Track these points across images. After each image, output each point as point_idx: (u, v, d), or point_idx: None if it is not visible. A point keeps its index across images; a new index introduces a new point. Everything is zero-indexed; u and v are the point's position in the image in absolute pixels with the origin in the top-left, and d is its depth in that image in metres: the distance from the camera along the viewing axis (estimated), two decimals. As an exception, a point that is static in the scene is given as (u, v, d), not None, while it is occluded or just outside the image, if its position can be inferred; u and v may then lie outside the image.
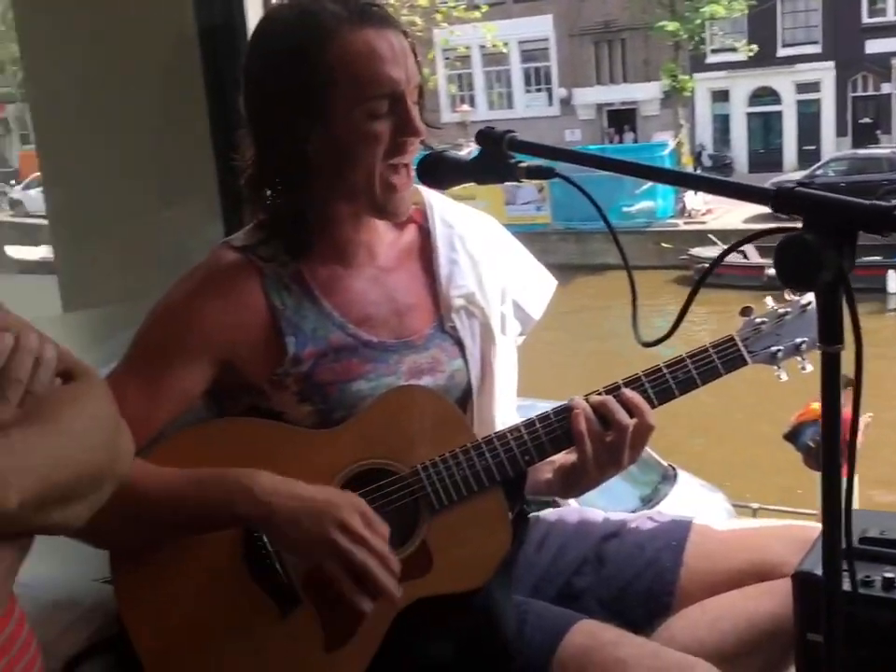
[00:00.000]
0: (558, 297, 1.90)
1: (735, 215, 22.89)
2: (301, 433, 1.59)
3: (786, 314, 1.67)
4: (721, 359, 1.64)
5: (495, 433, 1.61)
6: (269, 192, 1.62)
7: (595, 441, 1.59)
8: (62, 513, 1.00)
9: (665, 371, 1.63)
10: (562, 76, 34.73)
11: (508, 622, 1.56)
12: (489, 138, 1.42)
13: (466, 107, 31.73)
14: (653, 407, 1.62)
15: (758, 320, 1.68)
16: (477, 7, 26.39)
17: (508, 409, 1.77)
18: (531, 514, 1.87)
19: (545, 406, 1.65)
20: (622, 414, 1.59)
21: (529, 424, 1.62)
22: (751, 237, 1.15)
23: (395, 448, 1.57)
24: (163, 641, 1.52)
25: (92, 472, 1.05)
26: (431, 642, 1.54)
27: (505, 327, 1.78)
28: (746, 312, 1.68)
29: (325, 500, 1.46)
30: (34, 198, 26.16)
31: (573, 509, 1.90)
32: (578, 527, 1.85)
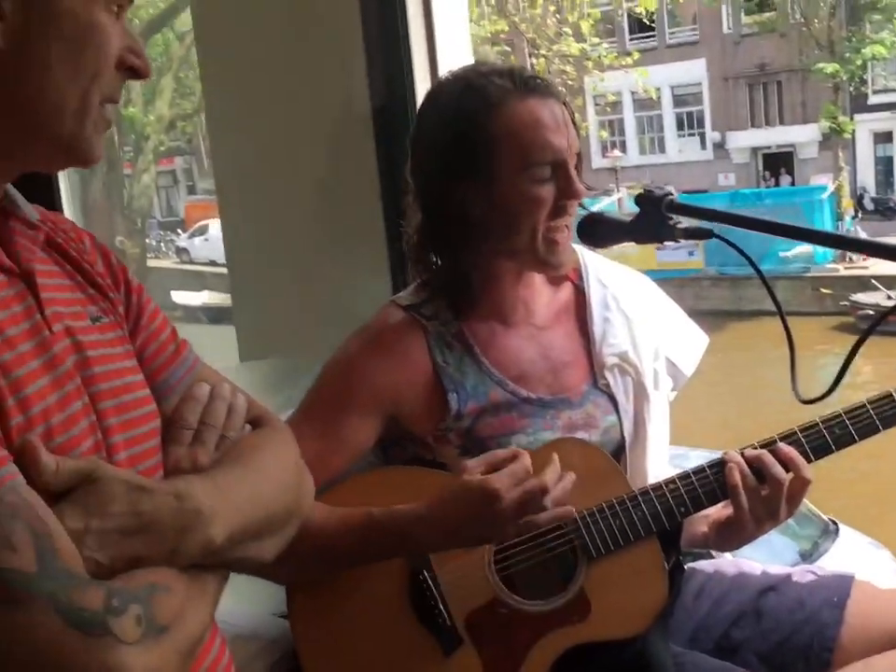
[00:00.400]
0: (711, 344, 1.93)
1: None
2: None
3: None
4: (879, 415, 1.64)
5: (650, 485, 1.65)
6: (433, 255, 1.72)
7: (750, 494, 1.61)
8: (257, 548, 1.09)
9: (821, 425, 1.64)
10: (715, 119, 34.27)
11: (665, 670, 1.59)
12: (649, 200, 1.47)
13: (617, 153, 31.66)
14: (809, 462, 1.63)
15: None
16: (628, 54, 26.42)
17: (660, 462, 1.81)
18: (687, 566, 1.90)
19: (697, 455, 1.68)
20: (777, 469, 1.61)
21: (684, 476, 1.65)
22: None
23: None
24: None
25: (282, 510, 1.13)
26: (589, 687, 1.58)
27: (658, 383, 1.82)
28: None
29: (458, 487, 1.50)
30: (198, 246, 27.43)
31: (731, 561, 1.91)
32: (736, 579, 1.86)
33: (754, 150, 33.77)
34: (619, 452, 1.77)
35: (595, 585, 1.61)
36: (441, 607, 1.60)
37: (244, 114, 2.35)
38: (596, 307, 1.81)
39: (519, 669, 1.57)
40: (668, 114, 35.37)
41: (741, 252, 1.41)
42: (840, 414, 1.65)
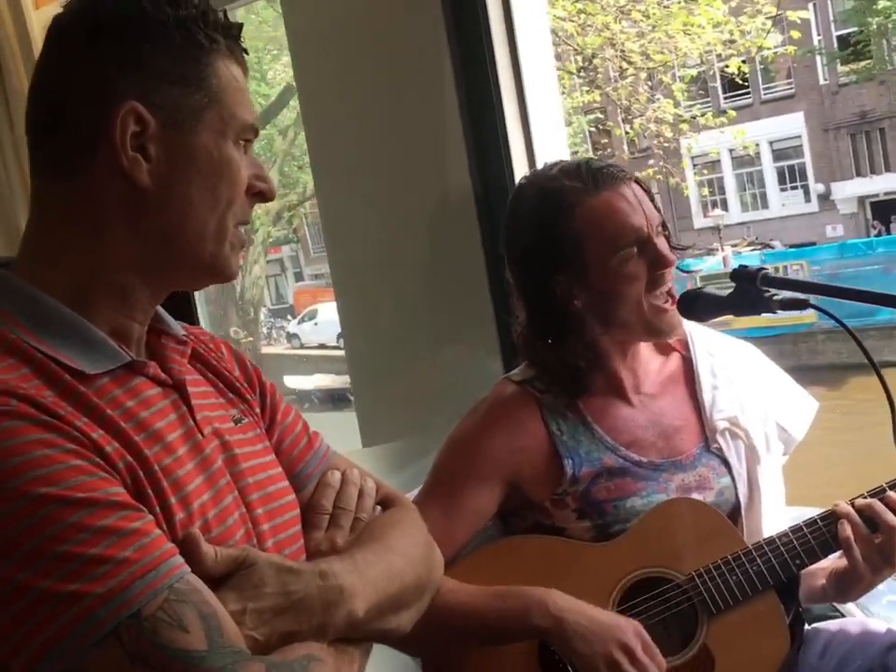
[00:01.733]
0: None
1: None
2: (582, 547, 1.76)
3: None
4: None
5: (765, 539, 1.71)
6: (541, 346, 1.84)
7: (863, 544, 1.66)
8: (396, 620, 1.19)
9: None
10: (817, 171, 33.77)
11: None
12: (744, 276, 1.57)
13: (718, 212, 31.43)
14: None
15: None
16: (724, 113, 26.38)
17: (776, 523, 1.86)
18: (811, 626, 1.93)
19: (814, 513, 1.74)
20: (889, 516, 1.66)
21: (797, 529, 1.71)
22: None
23: (669, 557, 1.71)
24: None
25: (416, 583, 1.23)
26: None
27: (769, 446, 1.89)
28: None
29: (610, 621, 1.62)
30: (307, 331, 27.99)
31: (855, 620, 1.94)
32: (861, 637, 1.88)
33: (861, 199, 33.08)
34: (735, 514, 1.84)
35: (717, 640, 1.67)
36: (571, 670, 1.68)
37: (354, 202, 2.51)
38: (705, 374, 1.90)
39: None
40: (769, 169, 34.97)
41: (837, 320, 1.49)
42: None
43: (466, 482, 1.79)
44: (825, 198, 33.48)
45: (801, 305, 1.53)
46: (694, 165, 33.18)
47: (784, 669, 1.67)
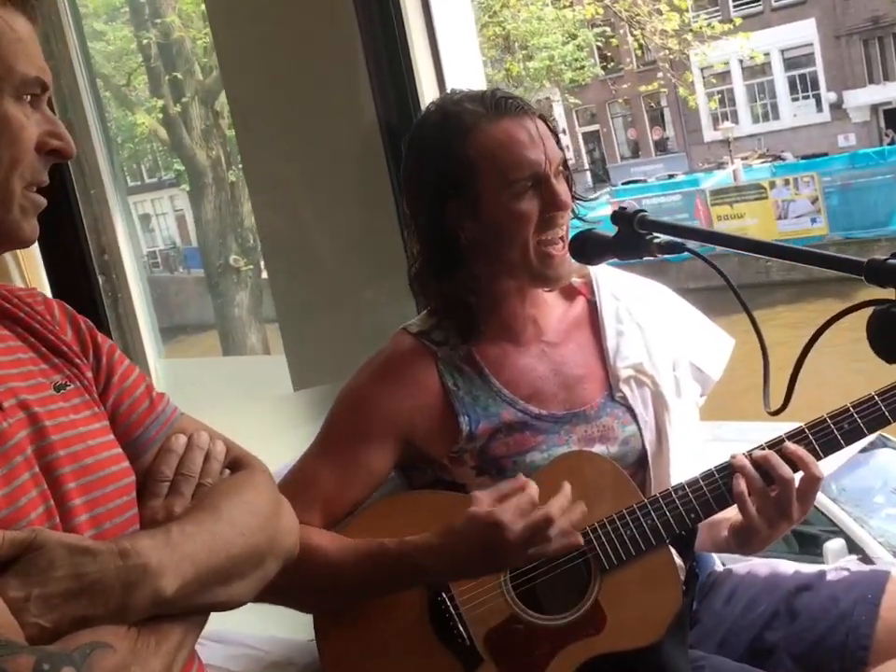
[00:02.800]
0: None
1: None
2: None
3: None
4: (889, 406, 1.61)
5: (660, 493, 1.66)
6: (434, 283, 1.77)
7: (757, 498, 1.61)
8: (226, 592, 1.14)
9: (829, 421, 1.63)
10: (830, 79, 33.10)
11: (682, 678, 1.61)
12: (622, 218, 1.49)
13: (728, 124, 30.97)
14: (819, 459, 1.62)
15: None
16: (731, 21, 25.80)
17: (687, 468, 1.80)
18: (722, 568, 1.90)
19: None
20: (784, 469, 1.60)
21: (693, 482, 1.66)
22: (847, 312, 1.15)
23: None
24: None
25: (251, 553, 1.17)
26: (607, 699, 1.61)
27: (680, 391, 1.82)
28: None
29: (461, 526, 1.54)
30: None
31: (764, 562, 1.89)
32: (768, 580, 1.85)
33: (874, 107, 32.49)
34: (642, 463, 1.79)
35: (609, 597, 1.63)
36: (461, 627, 1.65)
37: (273, 142, 2.45)
38: (609, 320, 1.83)
39: None
40: (780, 78, 34.33)
41: (707, 261, 1.43)
42: (848, 409, 1.63)
43: (359, 439, 1.74)
44: (837, 107, 32.89)
45: (678, 249, 1.45)
46: (704, 77, 32.67)
47: (678, 624, 1.63)
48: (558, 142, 1.74)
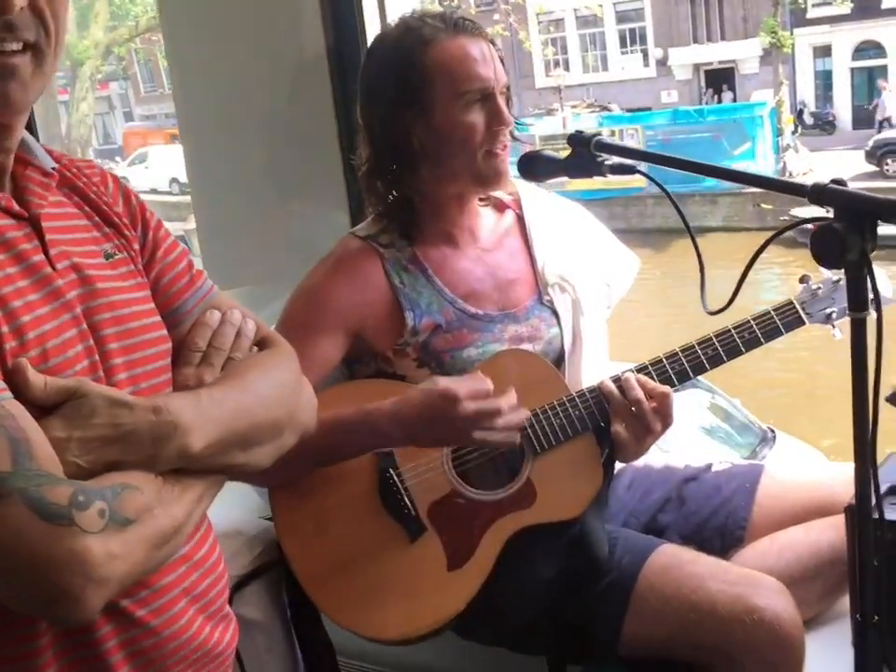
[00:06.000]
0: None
1: (837, 174, 22.33)
2: None
3: (839, 280, 1.87)
4: (783, 320, 1.87)
5: (587, 388, 1.88)
6: (381, 184, 1.93)
7: (622, 412, 1.84)
8: (244, 456, 1.24)
9: (664, 360, 1.87)
10: (657, 36, 34.21)
11: (601, 545, 1.84)
12: (579, 140, 1.67)
13: (560, 71, 31.64)
14: (683, 381, 1.86)
15: (814, 286, 1.91)
16: (570, -30, 26.25)
17: (597, 370, 2.02)
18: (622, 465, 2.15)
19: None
20: (636, 391, 1.82)
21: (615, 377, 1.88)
22: (789, 227, 1.39)
23: None
24: (315, 563, 1.84)
25: (270, 423, 1.28)
26: (536, 563, 1.82)
27: (594, 300, 2.05)
28: (804, 279, 1.92)
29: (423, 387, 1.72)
30: (138, 174, 26.97)
31: (659, 458, 2.16)
32: (662, 472, 2.12)
33: (696, 67, 33.84)
34: (559, 361, 2.00)
35: (540, 476, 1.85)
36: (406, 499, 1.83)
37: (203, 51, 2.50)
38: (536, 231, 2.04)
39: (475, 550, 1.81)
40: (611, 31, 35.22)
41: (660, 186, 1.63)
42: (677, 352, 1.87)
43: (313, 332, 1.88)
44: (663, 64, 34.05)
45: (629, 171, 1.65)
46: (539, 23, 33.16)
47: (597, 501, 1.86)
48: (503, 66, 1.92)
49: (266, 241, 2.50)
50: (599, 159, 1.66)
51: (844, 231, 1.25)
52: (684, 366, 1.86)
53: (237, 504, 1.99)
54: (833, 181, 1.32)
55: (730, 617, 1.71)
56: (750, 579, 1.77)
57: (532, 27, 32.74)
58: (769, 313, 1.87)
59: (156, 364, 1.26)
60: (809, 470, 2.12)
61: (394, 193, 1.95)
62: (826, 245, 1.26)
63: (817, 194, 1.31)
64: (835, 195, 1.29)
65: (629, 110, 28.60)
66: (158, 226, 1.35)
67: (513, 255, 2.02)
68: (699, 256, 1.58)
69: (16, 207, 1.17)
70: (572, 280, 2.02)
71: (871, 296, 1.23)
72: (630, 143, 24.42)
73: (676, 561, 1.82)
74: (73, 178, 1.28)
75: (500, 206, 2.07)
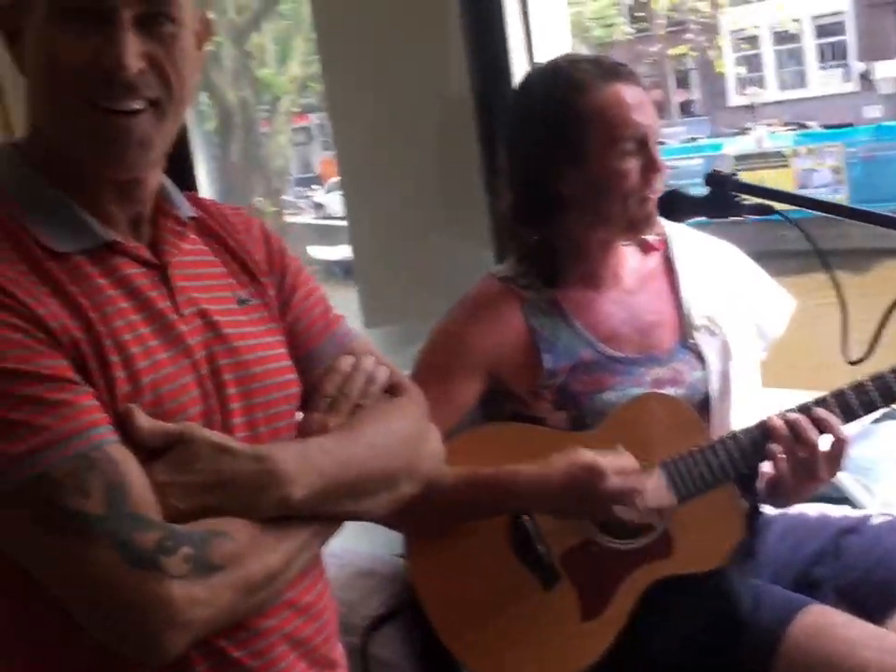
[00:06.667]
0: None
1: None
2: (559, 434, 1.85)
3: None
4: None
5: (728, 433, 1.81)
6: (524, 228, 1.92)
7: (789, 457, 1.75)
8: (354, 505, 1.23)
9: (848, 392, 1.76)
10: (860, 49, 32.72)
11: (742, 600, 1.75)
12: (717, 180, 1.63)
13: (754, 89, 30.77)
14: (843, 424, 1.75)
15: None
16: (765, -14, 25.53)
17: (746, 416, 1.94)
18: (777, 512, 2.05)
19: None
20: (812, 432, 1.73)
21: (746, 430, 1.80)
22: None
23: (640, 446, 1.78)
24: (449, 610, 1.83)
25: (382, 473, 1.27)
26: (672, 616, 1.76)
27: (745, 342, 1.97)
28: None
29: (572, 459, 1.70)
30: (334, 201, 27.82)
31: (815, 506, 2.04)
32: (817, 521, 2.00)
33: (902, 79, 32.21)
34: (704, 405, 1.93)
35: (678, 526, 1.78)
36: (540, 546, 1.80)
37: (358, 97, 2.56)
38: (684, 272, 1.98)
39: (611, 600, 1.77)
40: (810, 46, 33.96)
41: (801, 229, 1.56)
42: (864, 382, 1.75)
43: (451, 375, 1.88)
44: (865, 77, 32.57)
45: (767, 211, 1.59)
46: (733, 41, 32.33)
47: (741, 554, 1.78)
48: (655, 113, 1.88)
49: (418, 277, 2.53)
50: (737, 199, 1.61)
51: None
52: (870, 396, 1.76)
53: (374, 539, 2.01)
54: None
55: None
56: None
57: (726, 45, 31.99)
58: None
59: (279, 408, 1.27)
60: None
61: (537, 238, 1.94)
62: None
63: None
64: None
65: (828, 127, 27.47)
66: (297, 270, 1.37)
67: (657, 296, 1.97)
68: (839, 291, 1.49)
69: (147, 255, 1.21)
70: (721, 322, 1.95)
71: None
72: (829, 161, 23.59)
73: (826, 622, 1.71)
74: (216, 227, 1.31)
75: (646, 247, 2.02)
